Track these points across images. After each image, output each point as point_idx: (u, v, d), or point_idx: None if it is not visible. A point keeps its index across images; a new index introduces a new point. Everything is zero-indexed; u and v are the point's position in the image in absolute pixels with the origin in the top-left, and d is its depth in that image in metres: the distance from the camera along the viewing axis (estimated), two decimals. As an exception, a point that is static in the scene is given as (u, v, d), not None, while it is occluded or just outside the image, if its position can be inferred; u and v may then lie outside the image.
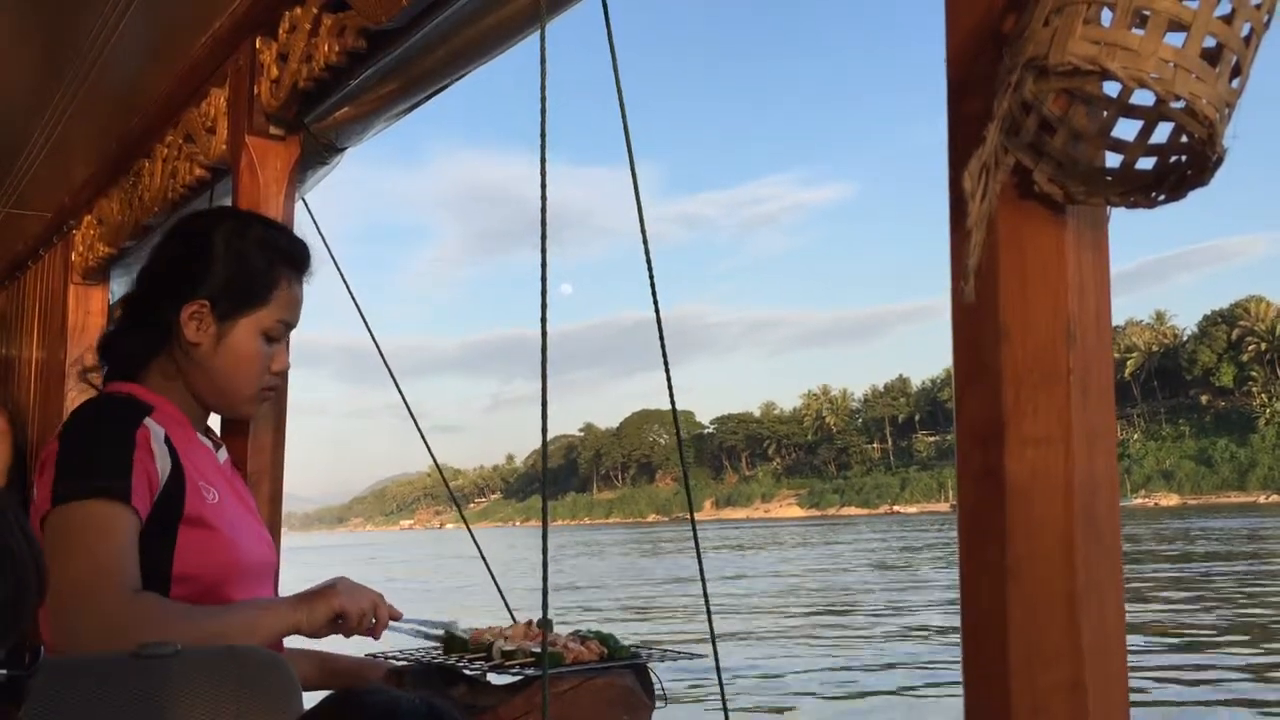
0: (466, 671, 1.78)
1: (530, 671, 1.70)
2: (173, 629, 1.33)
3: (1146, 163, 0.91)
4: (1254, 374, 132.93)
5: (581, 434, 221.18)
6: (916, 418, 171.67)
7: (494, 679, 1.78)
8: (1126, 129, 0.92)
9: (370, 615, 1.61)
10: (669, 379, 1.89)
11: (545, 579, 1.46)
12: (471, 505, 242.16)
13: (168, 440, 1.53)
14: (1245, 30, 0.85)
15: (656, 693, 1.81)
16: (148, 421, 1.52)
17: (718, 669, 1.95)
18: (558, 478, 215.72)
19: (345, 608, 1.56)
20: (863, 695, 14.12)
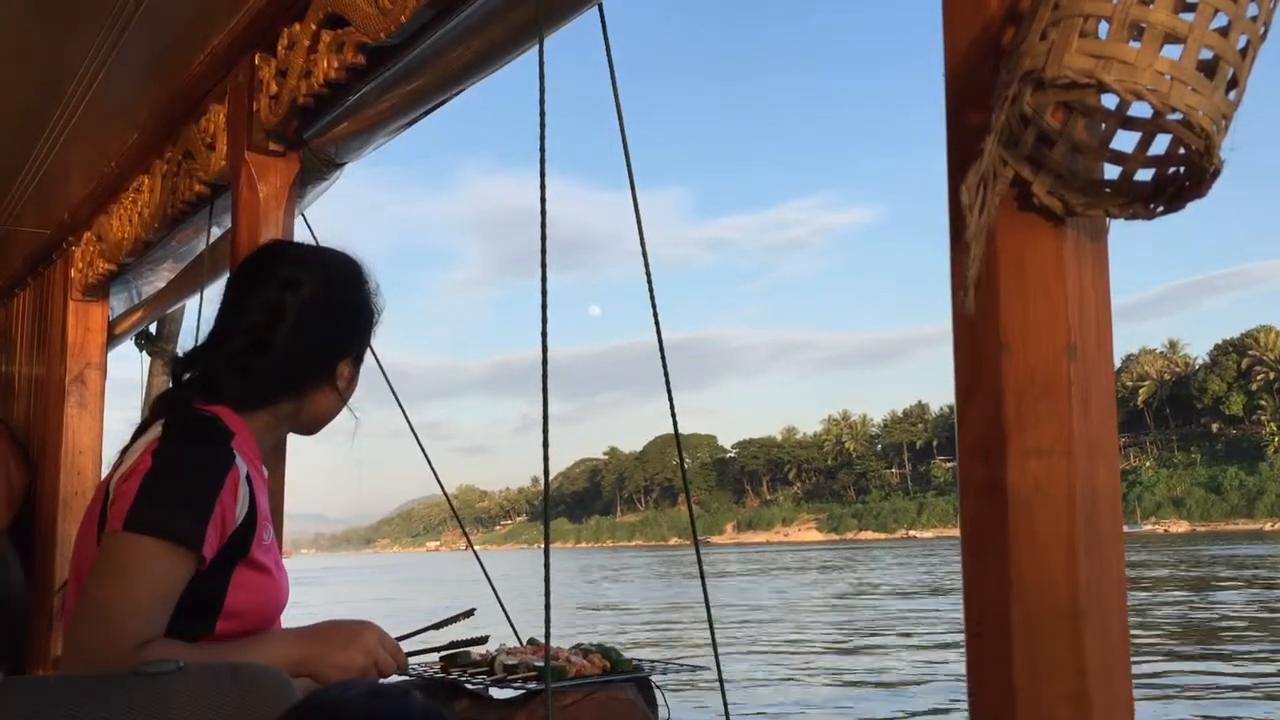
0: (469, 686, 1.78)
1: (533, 686, 1.69)
2: None
3: (1145, 174, 0.91)
4: (1263, 403, 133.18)
5: (605, 457, 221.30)
6: (934, 443, 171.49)
7: (496, 694, 1.78)
8: (1125, 141, 0.92)
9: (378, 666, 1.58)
10: (671, 404, 1.90)
11: (548, 594, 1.46)
12: (498, 527, 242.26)
13: (248, 479, 1.53)
14: (1241, 43, 0.85)
15: (659, 706, 1.81)
16: (237, 460, 1.51)
17: (720, 681, 1.95)
18: (581, 501, 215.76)
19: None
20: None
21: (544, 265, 1.59)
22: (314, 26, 2.23)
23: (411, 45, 2.05)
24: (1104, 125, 0.93)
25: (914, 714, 14.16)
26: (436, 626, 1.77)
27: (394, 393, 2.49)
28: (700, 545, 2.18)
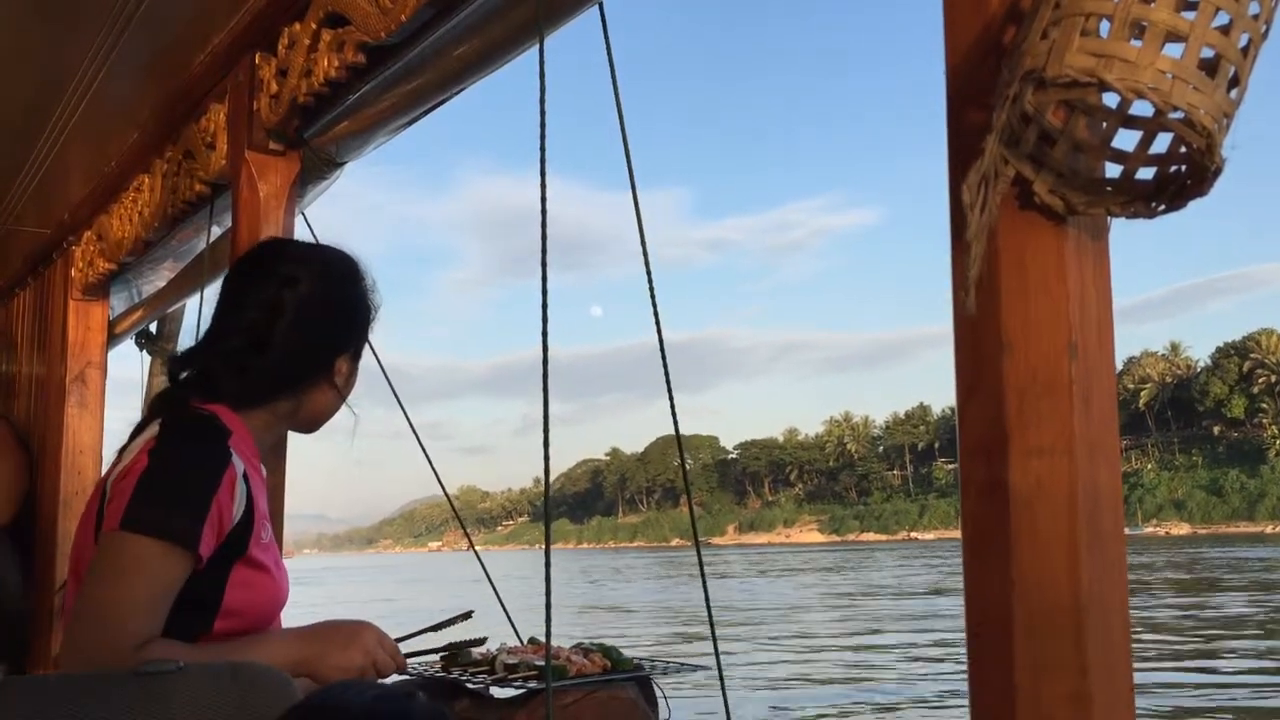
0: (470, 685, 1.78)
1: (533, 685, 1.69)
2: None
3: (1146, 173, 0.91)
4: (1264, 406, 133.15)
5: (607, 458, 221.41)
6: (936, 445, 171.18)
7: (497, 693, 1.78)
8: (1126, 140, 0.92)
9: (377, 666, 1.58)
10: (672, 404, 1.90)
11: (549, 593, 1.46)
12: (500, 528, 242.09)
13: (245, 477, 1.53)
14: (1243, 41, 0.85)
15: (660, 705, 1.81)
16: (234, 458, 1.51)
17: (721, 681, 1.95)
18: (583, 502, 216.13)
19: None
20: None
21: (544, 265, 1.59)
22: (314, 25, 2.23)
23: (412, 44, 2.05)
24: (1105, 124, 0.93)
25: (914, 713, 14.17)
26: (435, 628, 1.77)
27: (394, 393, 2.49)
28: (702, 546, 2.18)
